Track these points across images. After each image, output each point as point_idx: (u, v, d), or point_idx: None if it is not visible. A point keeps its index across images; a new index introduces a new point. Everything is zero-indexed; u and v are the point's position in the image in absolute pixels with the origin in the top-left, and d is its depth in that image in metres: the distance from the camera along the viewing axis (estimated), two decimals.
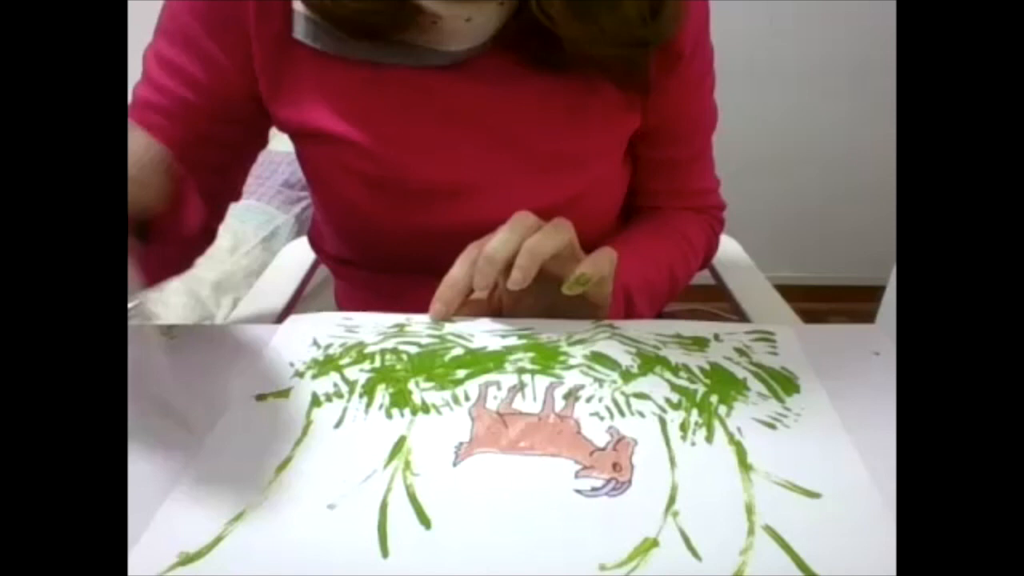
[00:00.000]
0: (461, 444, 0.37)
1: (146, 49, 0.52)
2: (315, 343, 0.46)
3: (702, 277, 0.75)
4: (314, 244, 0.68)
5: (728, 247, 0.78)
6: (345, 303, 0.67)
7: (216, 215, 0.59)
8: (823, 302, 1.51)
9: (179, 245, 0.49)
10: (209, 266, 0.87)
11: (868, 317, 0.60)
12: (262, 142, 0.58)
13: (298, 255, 0.77)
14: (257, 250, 0.95)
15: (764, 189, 1.72)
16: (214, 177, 0.55)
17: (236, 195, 0.60)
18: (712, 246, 0.67)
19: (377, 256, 0.59)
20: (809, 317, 0.58)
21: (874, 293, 0.82)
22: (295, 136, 0.55)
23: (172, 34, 0.51)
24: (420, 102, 0.51)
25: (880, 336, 0.47)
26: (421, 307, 0.48)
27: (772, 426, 0.38)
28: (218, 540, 0.31)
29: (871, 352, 0.45)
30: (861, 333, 0.48)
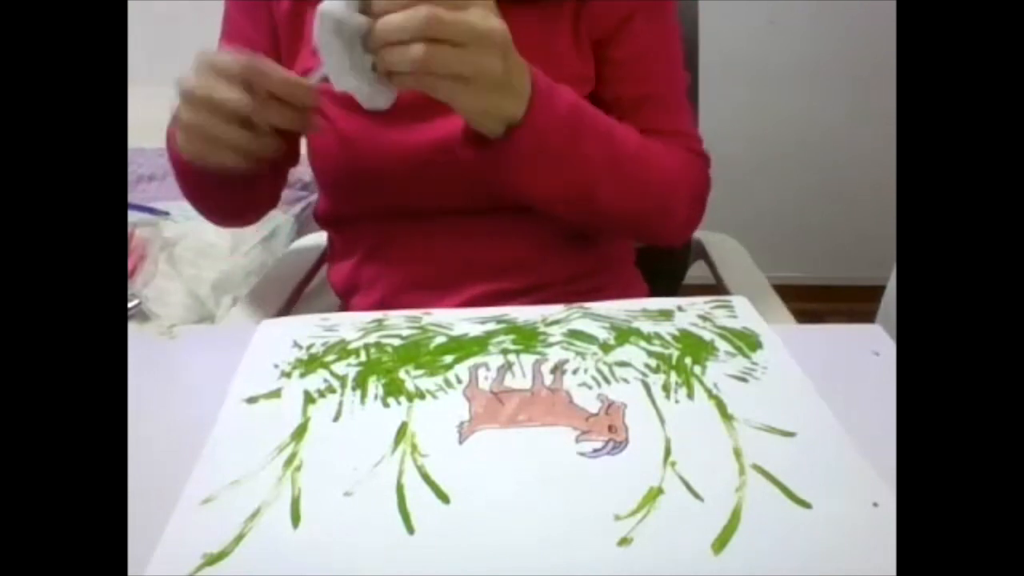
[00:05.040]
0: (463, 423, 0.38)
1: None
2: (296, 344, 0.46)
3: (702, 277, 0.76)
4: (314, 213, 0.70)
5: (728, 247, 0.78)
6: (337, 277, 0.67)
7: (281, 180, 0.66)
8: (823, 302, 1.48)
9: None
10: (209, 266, 0.85)
11: (868, 317, 0.60)
12: None
13: (298, 255, 0.76)
14: (257, 250, 0.91)
15: (764, 189, 1.68)
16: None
17: (295, 160, 0.64)
18: (694, 179, 0.63)
19: (362, 198, 0.61)
20: (809, 317, 0.58)
21: (874, 293, 0.81)
22: None
23: (226, 30, 0.62)
24: None
25: (880, 336, 0.47)
26: (411, 260, 0.59)
27: (744, 379, 0.42)
28: (240, 538, 0.31)
29: (871, 352, 0.45)
30: (861, 333, 0.47)
